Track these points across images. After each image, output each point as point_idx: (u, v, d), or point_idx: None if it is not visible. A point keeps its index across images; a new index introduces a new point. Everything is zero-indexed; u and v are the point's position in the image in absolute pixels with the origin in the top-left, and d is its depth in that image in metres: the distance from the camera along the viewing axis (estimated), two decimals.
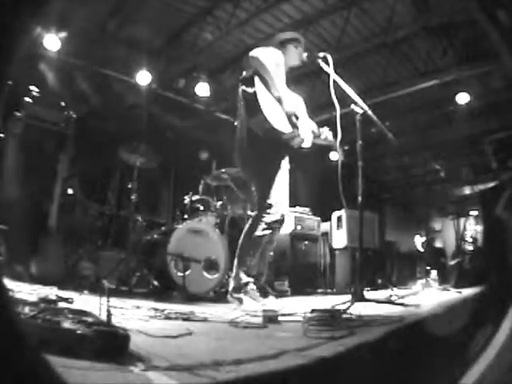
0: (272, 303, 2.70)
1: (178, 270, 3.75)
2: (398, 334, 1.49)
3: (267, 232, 2.80)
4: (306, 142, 3.02)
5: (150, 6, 5.41)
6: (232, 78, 6.61)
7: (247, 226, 2.85)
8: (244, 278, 2.74)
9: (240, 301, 2.65)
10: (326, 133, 3.21)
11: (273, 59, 2.83)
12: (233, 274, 2.84)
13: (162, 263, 3.90)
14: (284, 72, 3.04)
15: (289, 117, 2.83)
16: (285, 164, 2.93)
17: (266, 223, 2.78)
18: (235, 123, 3.05)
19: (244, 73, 2.94)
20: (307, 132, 3.03)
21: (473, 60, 5.65)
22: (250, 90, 2.76)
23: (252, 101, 2.72)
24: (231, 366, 1.00)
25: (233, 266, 2.86)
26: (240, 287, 2.72)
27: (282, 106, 2.80)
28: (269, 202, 2.78)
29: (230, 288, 2.80)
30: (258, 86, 2.75)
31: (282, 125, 2.76)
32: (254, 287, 2.76)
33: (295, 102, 2.95)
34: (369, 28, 5.75)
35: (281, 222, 2.88)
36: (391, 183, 11.57)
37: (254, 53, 2.81)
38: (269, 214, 2.78)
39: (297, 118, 2.90)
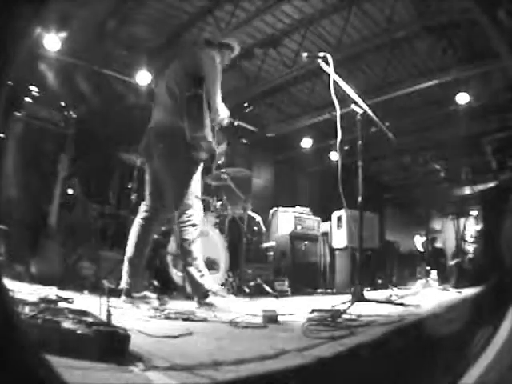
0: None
1: (178, 269, 3.76)
2: (398, 334, 1.49)
3: (198, 233, 2.69)
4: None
5: (150, 5, 5.41)
6: (232, 78, 6.61)
7: (182, 234, 2.67)
8: (205, 283, 2.64)
9: (211, 305, 2.55)
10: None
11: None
12: (191, 285, 2.70)
13: (161, 263, 3.90)
14: None
15: (214, 125, 2.81)
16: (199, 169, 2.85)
17: (193, 225, 2.66)
18: (154, 111, 2.91)
19: (184, 62, 2.87)
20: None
21: (473, 60, 5.65)
22: (196, 91, 2.71)
23: (197, 104, 2.67)
24: (231, 366, 1.00)
25: (190, 276, 2.67)
26: (206, 292, 2.62)
27: (211, 113, 2.78)
28: (189, 202, 2.67)
29: (195, 298, 2.65)
30: (203, 89, 2.72)
31: (209, 133, 2.73)
32: (218, 287, 2.72)
33: (224, 113, 2.91)
34: (369, 28, 5.75)
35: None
36: (391, 183, 11.57)
37: (213, 54, 2.79)
38: (192, 215, 2.67)
39: (217, 127, 2.91)
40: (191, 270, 2.63)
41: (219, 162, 3.19)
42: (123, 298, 2.65)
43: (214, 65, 2.74)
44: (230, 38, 3.21)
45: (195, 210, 2.70)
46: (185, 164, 2.72)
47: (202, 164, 2.83)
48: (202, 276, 2.64)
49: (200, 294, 2.63)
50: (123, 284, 2.70)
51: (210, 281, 2.74)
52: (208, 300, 2.58)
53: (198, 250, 2.67)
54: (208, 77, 2.74)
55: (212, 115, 2.79)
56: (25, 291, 2.27)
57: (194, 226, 2.67)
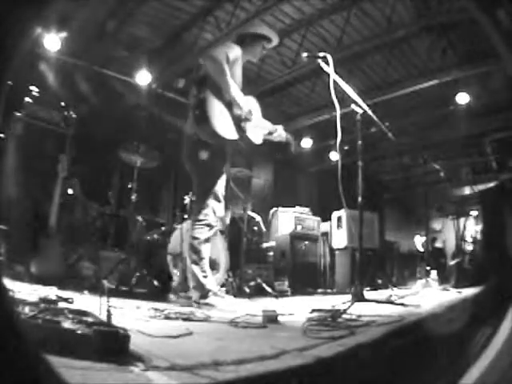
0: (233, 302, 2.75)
1: (177, 269, 3.75)
2: (398, 334, 1.49)
3: (211, 234, 2.75)
4: (256, 139, 2.97)
5: (150, 6, 5.41)
6: None
7: (194, 231, 2.73)
8: (207, 284, 2.66)
9: (211, 305, 2.56)
10: (279, 131, 3.18)
11: (230, 56, 2.70)
12: (193, 284, 2.68)
13: (161, 263, 3.90)
14: (241, 67, 2.92)
15: (237, 121, 2.79)
16: (227, 168, 2.92)
17: (208, 225, 2.71)
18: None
19: (195, 73, 2.93)
20: (256, 132, 2.99)
21: (473, 60, 5.65)
22: (198, 95, 2.70)
23: (199, 108, 2.66)
24: (231, 366, 1.00)
25: (193, 275, 2.68)
26: (207, 293, 2.63)
27: (231, 111, 2.75)
28: (207, 202, 2.72)
29: (195, 297, 2.66)
30: (208, 91, 2.68)
31: (228, 132, 2.71)
32: (218, 287, 2.77)
33: (248, 104, 2.86)
34: (369, 28, 5.75)
35: (218, 222, 2.86)
36: (391, 183, 11.57)
37: (209, 52, 2.77)
38: (208, 215, 2.71)
39: (247, 119, 2.86)
40: (196, 268, 2.63)
41: (292, 149, 3.23)
42: (171, 295, 2.88)
43: (213, 62, 2.66)
44: (265, 28, 3.10)
45: (212, 210, 2.73)
46: (197, 165, 2.78)
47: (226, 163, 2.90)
48: (205, 277, 2.65)
49: (200, 294, 2.62)
50: (175, 283, 2.95)
51: (213, 283, 2.74)
52: (208, 300, 2.58)
53: (207, 250, 2.69)
54: (211, 75, 2.70)
55: (235, 110, 2.76)
56: (25, 291, 2.27)
57: (208, 226, 2.72)
